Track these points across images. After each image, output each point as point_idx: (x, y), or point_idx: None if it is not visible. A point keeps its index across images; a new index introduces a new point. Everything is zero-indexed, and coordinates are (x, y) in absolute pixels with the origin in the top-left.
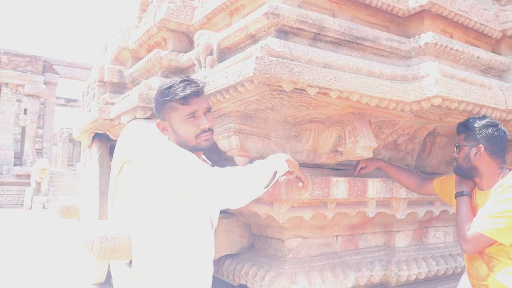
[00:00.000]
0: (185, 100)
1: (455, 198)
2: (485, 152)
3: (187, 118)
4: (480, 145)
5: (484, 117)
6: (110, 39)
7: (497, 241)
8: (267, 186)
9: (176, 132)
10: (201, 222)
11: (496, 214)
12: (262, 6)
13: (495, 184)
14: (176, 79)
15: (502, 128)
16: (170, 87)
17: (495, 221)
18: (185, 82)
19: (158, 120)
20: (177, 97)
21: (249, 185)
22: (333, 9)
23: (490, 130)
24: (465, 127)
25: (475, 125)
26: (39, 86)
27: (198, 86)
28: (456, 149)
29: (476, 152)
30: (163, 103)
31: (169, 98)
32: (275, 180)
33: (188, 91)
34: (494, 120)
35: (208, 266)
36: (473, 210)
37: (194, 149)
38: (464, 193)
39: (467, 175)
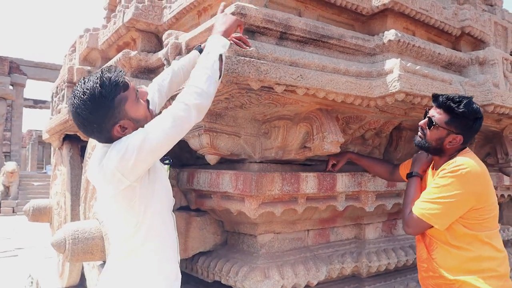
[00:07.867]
0: None
1: (406, 178)
2: (460, 141)
3: None
4: (461, 135)
5: (471, 101)
6: (78, 39)
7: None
8: (220, 76)
9: None
10: (165, 208)
11: (433, 199)
12: (229, 7)
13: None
14: None
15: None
16: None
17: (432, 206)
18: None
19: None
20: None
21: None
22: (299, 9)
23: (476, 124)
24: (450, 110)
25: (465, 112)
26: (5, 88)
27: None
28: (430, 123)
29: (452, 140)
30: None
31: None
32: (224, 63)
33: None
34: (478, 107)
35: (175, 255)
36: (422, 191)
37: None
38: (413, 174)
39: (429, 151)
